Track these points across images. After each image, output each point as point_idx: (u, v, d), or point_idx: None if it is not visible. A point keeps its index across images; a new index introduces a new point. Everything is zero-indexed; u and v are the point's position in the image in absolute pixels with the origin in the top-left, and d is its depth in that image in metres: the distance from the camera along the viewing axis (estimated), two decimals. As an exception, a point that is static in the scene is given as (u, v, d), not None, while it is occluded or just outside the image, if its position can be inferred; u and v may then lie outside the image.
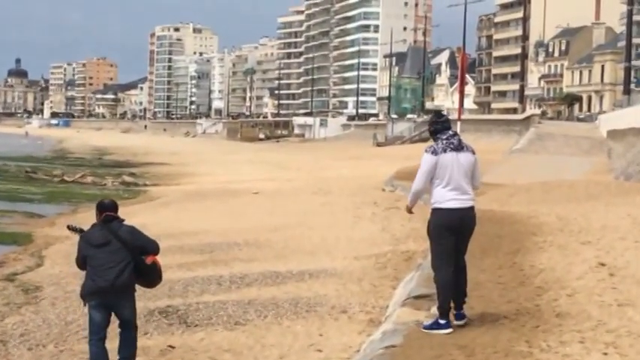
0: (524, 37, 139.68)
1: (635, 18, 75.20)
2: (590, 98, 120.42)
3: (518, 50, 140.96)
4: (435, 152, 9.03)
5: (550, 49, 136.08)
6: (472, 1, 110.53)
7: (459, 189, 9.03)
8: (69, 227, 10.25)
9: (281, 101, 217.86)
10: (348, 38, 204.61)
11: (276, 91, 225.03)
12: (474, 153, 9.23)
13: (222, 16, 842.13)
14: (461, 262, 9.20)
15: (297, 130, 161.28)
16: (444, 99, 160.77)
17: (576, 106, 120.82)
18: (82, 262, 9.53)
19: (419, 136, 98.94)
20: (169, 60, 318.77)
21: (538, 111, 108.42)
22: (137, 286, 9.65)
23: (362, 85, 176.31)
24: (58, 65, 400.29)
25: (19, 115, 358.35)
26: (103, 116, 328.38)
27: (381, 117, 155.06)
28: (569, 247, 13.99)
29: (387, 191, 35.16)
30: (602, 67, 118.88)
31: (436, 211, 9.10)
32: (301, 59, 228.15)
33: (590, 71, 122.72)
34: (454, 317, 9.09)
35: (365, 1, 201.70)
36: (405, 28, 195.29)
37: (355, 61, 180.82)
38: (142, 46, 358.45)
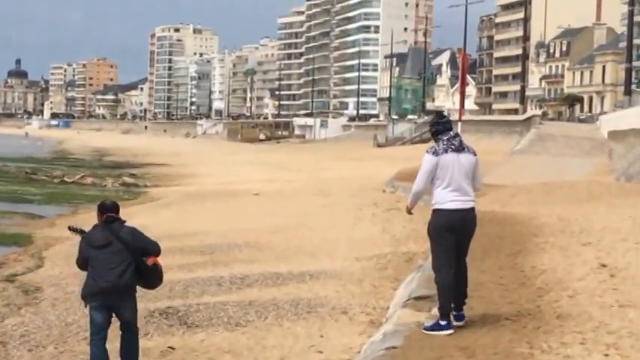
0: (525, 38, 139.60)
1: (636, 19, 75.21)
2: (591, 99, 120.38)
3: (519, 51, 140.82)
4: (436, 153, 9.01)
5: (551, 50, 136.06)
6: (473, 2, 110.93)
7: (460, 190, 9.02)
8: (70, 228, 10.23)
9: (281, 102, 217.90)
10: (349, 39, 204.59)
11: (277, 92, 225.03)
12: (475, 154, 9.21)
13: (223, 17, 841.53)
14: (462, 263, 9.19)
15: (297, 131, 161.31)
16: (444, 100, 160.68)
17: (577, 107, 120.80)
18: (83, 262, 9.53)
19: (419, 137, 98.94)
20: (169, 61, 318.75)
21: (539, 112, 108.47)
22: (137, 287, 9.64)
23: (362, 86, 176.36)
24: (58, 66, 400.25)
25: (19, 115, 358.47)
26: (104, 117, 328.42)
27: (381, 118, 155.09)
28: (571, 248, 13.97)
29: (387, 192, 35.14)
30: (603, 67, 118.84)
31: (436, 212, 9.09)
32: (302, 60, 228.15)
33: (591, 72, 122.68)
34: (453, 318, 9.08)
35: (365, 2, 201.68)
36: (405, 29, 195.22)
37: (356, 61, 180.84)
38: (142, 47, 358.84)
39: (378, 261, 17.58)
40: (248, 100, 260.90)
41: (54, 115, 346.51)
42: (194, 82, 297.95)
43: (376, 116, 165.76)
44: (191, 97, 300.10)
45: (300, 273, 16.70)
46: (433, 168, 8.99)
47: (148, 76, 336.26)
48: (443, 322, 8.96)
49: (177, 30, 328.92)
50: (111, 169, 72.10)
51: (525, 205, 23.22)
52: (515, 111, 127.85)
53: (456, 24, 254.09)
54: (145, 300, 13.36)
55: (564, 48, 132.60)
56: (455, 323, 9.04)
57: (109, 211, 9.60)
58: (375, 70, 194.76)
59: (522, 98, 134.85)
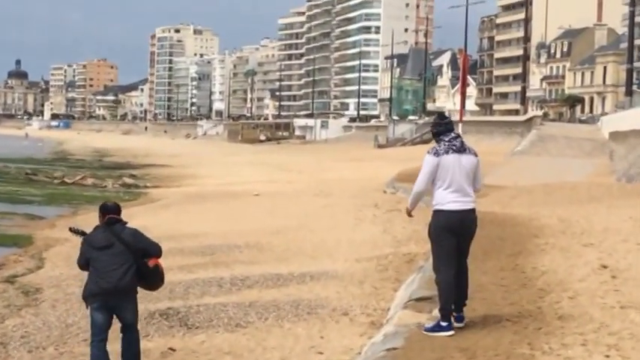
0: (526, 39, 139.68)
1: (637, 19, 75.06)
2: (592, 100, 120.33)
3: (520, 52, 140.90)
4: (437, 153, 9.01)
5: (552, 51, 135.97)
6: (474, 3, 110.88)
7: (461, 191, 9.01)
8: (71, 230, 10.23)
9: (282, 103, 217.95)
10: (350, 40, 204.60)
11: (277, 93, 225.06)
12: (476, 155, 9.21)
13: (223, 18, 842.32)
14: (463, 264, 9.18)
15: (298, 132, 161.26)
16: (445, 100, 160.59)
17: (578, 108, 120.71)
18: (84, 263, 9.52)
19: (420, 138, 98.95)
20: (170, 61, 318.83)
21: (540, 112, 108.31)
22: (138, 289, 9.63)
23: (363, 87, 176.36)
24: (59, 67, 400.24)
25: (19, 116, 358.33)
26: (104, 118, 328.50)
27: (382, 118, 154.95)
28: (571, 249, 13.96)
29: (388, 193, 35.15)
30: (604, 68, 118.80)
31: (437, 213, 9.08)
32: (302, 60, 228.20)
33: (592, 73, 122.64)
34: (454, 319, 9.07)
35: (366, 3, 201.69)
36: (406, 30, 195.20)
37: (356, 62, 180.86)
38: (143, 48, 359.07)
39: (379, 262, 17.57)
40: (248, 100, 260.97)
41: (54, 116, 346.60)
42: (194, 83, 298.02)
43: (377, 117, 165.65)
44: (191, 97, 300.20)
45: (300, 274, 16.69)
46: (434, 169, 8.98)
47: (148, 76, 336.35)
48: (444, 324, 8.95)
49: (177, 31, 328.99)
50: (111, 169, 72.09)
51: (526, 206, 23.22)
52: (516, 112, 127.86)
53: (456, 25, 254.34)
54: (146, 301, 13.34)
55: (565, 49, 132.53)
56: (455, 325, 9.03)
57: (110, 213, 9.60)
58: (376, 70, 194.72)
59: (523, 99, 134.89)
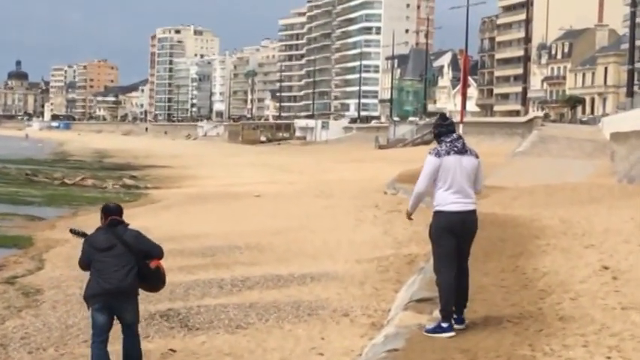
0: (527, 40, 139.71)
1: (639, 20, 74.97)
2: (593, 101, 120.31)
3: (521, 52, 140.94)
4: (438, 154, 9.00)
5: (553, 52, 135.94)
6: (474, 3, 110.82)
7: (461, 192, 9.01)
8: (72, 231, 10.20)
9: (282, 104, 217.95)
10: (350, 40, 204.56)
11: (278, 94, 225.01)
12: (477, 157, 9.21)
13: (223, 18, 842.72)
14: (463, 266, 9.17)
15: (298, 133, 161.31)
16: (446, 101, 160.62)
17: (579, 109, 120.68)
18: (86, 264, 9.50)
19: (421, 139, 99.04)
20: (170, 62, 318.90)
21: (541, 113, 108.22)
22: (139, 290, 9.62)
23: (364, 88, 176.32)
24: (59, 67, 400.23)
25: (19, 117, 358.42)
26: (104, 119, 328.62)
27: (383, 119, 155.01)
28: (573, 250, 13.95)
29: (388, 194, 35.12)
30: (605, 69, 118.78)
31: (437, 214, 9.08)
32: (303, 61, 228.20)
33: (593, 73, 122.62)
34: (454, 321, 9.05)
35: (367, 3, 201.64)
36: (407, 31, 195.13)
37: (357, 63, 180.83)
38: (143, 48, 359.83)
39: (380, 263, 17.55)
40: (249, 101, 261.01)
41: (54, 117, 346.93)
42: (195, 84, 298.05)
43: (377, 118, 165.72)
44: (192, 98, 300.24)
45: (301, 275, 16.68)
46: (435, 169, 8.98)
47: (148, 77, 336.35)
48: (444, 325, 8.94)
49: (177, 31, 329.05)
50: (111, 170, 72.10)
51: (527, 207, 23.21)
52: (517, 113, 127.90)
53: (457, 25, 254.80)
54: (146, 302, 13.33)
55: (566, 49, 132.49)
56: (455, 327, 9.02)
57: (113, 214, 9.60)
58: (377, 71, 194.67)
59: (524, 100, 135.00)
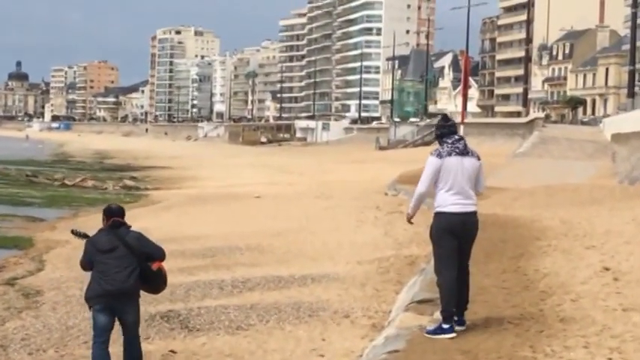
0: (528, 40, 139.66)
1: None
2: (594, 101, 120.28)
3: (522, 53, 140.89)
4: (440, 155, 8.99)
5: (554, 52, 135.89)
6: (475, 4, 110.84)
7: (462, 193, 9.00)
8: (73, 232, 10.19)
9: (283, 104, 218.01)
10: (351, 41, 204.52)
11: (278, 95, 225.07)
12: (479, 158, 9.20)
13: (224, 19, 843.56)
14: (464, 267, 9.16)
15: (299, 134, 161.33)
16: (447, 102, 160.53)
17: (580, 110, 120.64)
18: (87, 264, 9.49)
19: (422, 140, 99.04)
20: (171, 63, 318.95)
21: (542, 114, 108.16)
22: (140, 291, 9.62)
23: (364, 89, 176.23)
24: (59, 68, 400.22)
25: (19, 118, 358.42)
26: (104, 119, 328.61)
27: (383, 120, 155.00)
28: (574, 251, 13.94)
29: (389, 195, 35.12)
30: (607, 70, 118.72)
31: (438, 215, 9.07)
32: (303, 62, 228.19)
33: (594, 74, 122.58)
34: (455, 323, 9.04)
35: (367, 4, 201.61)
36: (407, 31, 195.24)
37: (358, 64, 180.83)
38: (143, 49, 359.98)
39: (380, 264, 17.53)
40: (249, 102, 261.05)
41: (55, 118, 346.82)
42: (195, 85, 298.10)
43: (378, 119, 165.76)
44: (192, 99, 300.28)
45: (301, 276, 16.67)
46: (437, 170, 8.97)
47: (149, 78, 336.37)
48: (445, 326, 8.93)
49: (178, 32, 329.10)
50: (112, 171, 72.13)
51: (528, 208, 23.20)
52: (518, 113, 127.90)
53: (458, 26, 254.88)
54: (146, 303, 13.30)
55: (567, 50, 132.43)
56: (456, 328, 9.01)
57: (115, 216, 9.59)
58: (377, 72, 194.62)
59: (525, 101, 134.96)
